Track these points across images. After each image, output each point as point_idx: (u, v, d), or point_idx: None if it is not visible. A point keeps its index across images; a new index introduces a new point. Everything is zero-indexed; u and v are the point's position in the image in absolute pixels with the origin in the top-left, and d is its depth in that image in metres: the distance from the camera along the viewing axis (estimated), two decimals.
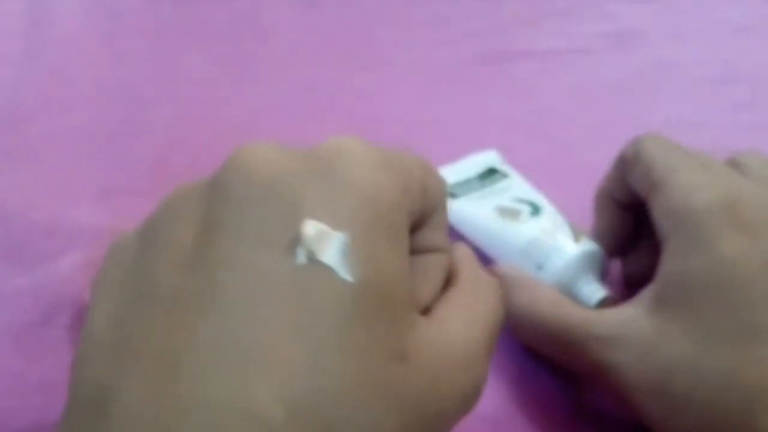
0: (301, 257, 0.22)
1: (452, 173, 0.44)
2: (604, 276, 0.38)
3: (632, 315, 0.31)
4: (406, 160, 0.25)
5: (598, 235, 0.38)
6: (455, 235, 0.41)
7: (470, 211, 0.41)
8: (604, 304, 0.37)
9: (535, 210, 0.40)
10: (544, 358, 0.36)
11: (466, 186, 0.43)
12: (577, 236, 0.38)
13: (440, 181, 0.27)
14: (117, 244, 0.26)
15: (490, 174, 0.43)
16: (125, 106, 0.50)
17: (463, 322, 0.25)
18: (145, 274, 0.23)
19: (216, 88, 0.52)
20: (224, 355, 0.20)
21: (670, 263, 0.31)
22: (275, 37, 0.56)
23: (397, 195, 0.24)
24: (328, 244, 0.22)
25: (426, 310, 0.25)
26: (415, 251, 0.25)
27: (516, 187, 0.42)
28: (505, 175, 0.43)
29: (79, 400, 0.23)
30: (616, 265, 0.40)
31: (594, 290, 0.37)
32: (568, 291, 0.37)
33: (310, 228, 0.22)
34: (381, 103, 0.51)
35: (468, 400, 0.24)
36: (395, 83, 0.53)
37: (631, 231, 0.38)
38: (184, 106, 0.50)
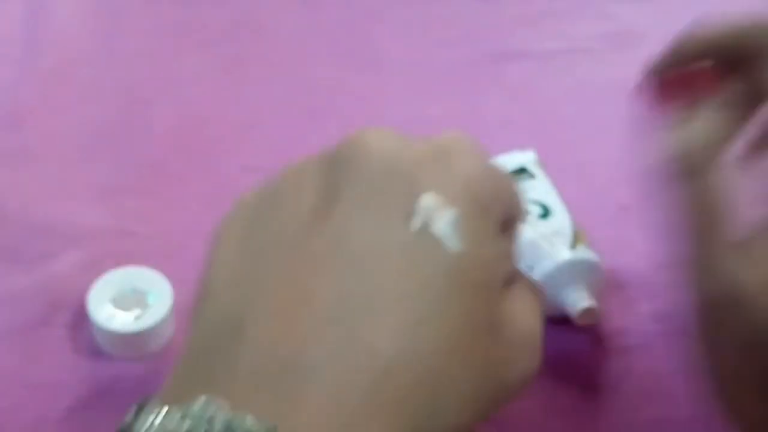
0: (416, 225, 0.25)
1: None
2: (597, 286, 0.38)
3: None
4: (504, 171, 0.29)
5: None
6: None
7: None
8: (587, 314, 0.37)
9: (545, 213, 0.40)
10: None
11: None
12: (575, 243, 0.38)
13: (522, 201, 0.30)
14: (240, 201, 0.30)
15: (519, 173, 0.43)
16: (125, 106, 0.50)
17: (530, 313, 0.28)
18: (273, 227, 0.27)
19: (216, 88, 0.52)
20: (344, 301, 0.24)
21: None
22: (275, 37, 0.56)
23: (496, 189, 0.27)
24: (441, 216, 0.25)
25: None
26: None
27: (537, 189, 0.41)
28: (531, 176, 0.43)
29: (209, 327, 0.26)
30: (615, 272, 0.40)
31: (580, 298, 0.37)
32: (555, 296, 0.37)
33: (428, 200, 0.25)
34: (381, 103, 0.51)
35: (524, 384, 0.27)
36: (395, 83, 0.53)
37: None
38: (184, 106, 0.50)
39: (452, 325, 0.25)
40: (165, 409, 0.23)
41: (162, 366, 0.38)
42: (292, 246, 0.26)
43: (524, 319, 0.28)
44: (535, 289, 0.29)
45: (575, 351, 0.39)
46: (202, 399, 0.22)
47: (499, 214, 0.27)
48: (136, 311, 0.38)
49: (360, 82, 0.53)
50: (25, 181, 0.45)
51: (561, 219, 0.39)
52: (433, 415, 0.24)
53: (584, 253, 0.38)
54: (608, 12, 0.59)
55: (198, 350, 0.26)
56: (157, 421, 0.22)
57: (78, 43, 0.54)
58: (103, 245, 0.42)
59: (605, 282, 0.39)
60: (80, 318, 0.39)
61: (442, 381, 0.24)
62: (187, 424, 0.22)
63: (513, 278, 0.28)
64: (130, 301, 0.38)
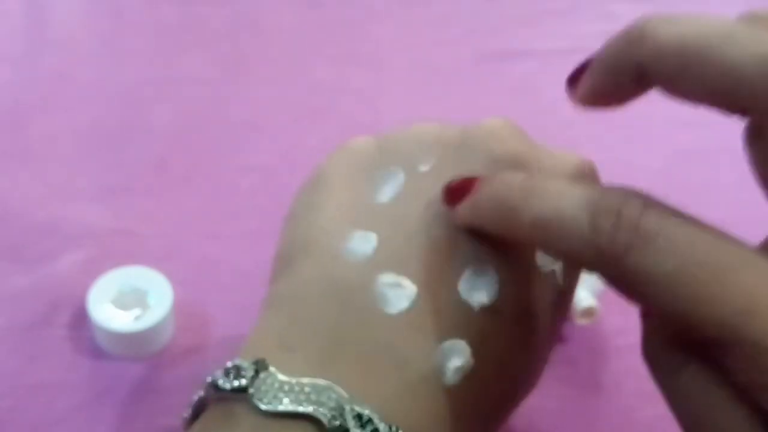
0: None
1: None
2: (597, 286, 0.38)
3: None
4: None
5: None
6: None
7: None
8: (587, 314, 0.37)
9: None
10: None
11: None
12: None
13: None
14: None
15: None
16: (125, 106, 0.50)
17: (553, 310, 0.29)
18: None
19: (216, 88, 0.52)
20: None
21: None
22: (275, 37, 0.56)
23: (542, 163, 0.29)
24: None
25: None
26: None
27: None
28: None
29: (280, 255, 0.28)
30: None
31: (580, 298, 0.37)
32: None
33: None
34: (381, 103, 0.51)
35: (532, 386, 0.28)
36: (395, 83, 0.53)
37: None
38: (184, 106, 0.50)
39: (497, 312, 0.26)
40: (283, 380, 0.23)
41: (162, 366, 0.38)
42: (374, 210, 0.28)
43: (548, 315, 0.29)
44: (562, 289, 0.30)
45: (575, 351, 0.39)
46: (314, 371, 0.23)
47: None
48: (136, 311, 0.38)
49: (360, 82, 0.53)
50: (25, 181, 0.45)
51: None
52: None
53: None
54: (608, 12, 0.59)
55: (310, 305, 0.26)
56: (283, 400, 0.23)
57: (78, 43, 0.54)
58: (103, 245, 0.42)
59: (605, 282, 0.39)
60: (80, 318, 0.39)
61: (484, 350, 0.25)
62: (313, 407, 0.22)
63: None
64: (130, 301, 0.38)
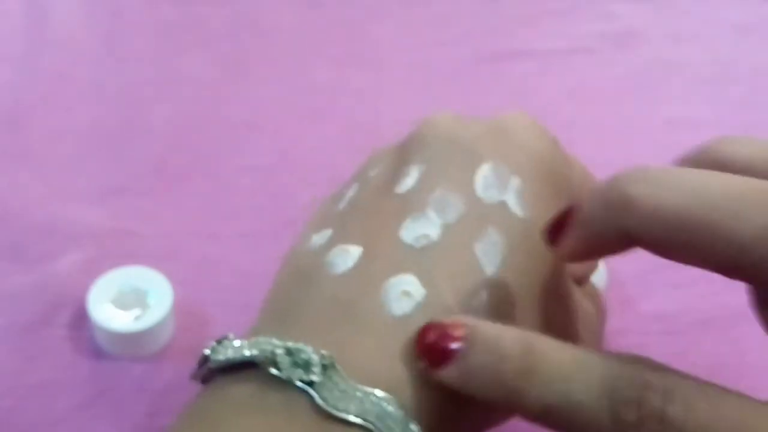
0: (480, 189, 0.27)
1: None
2: (598, 286, 0.38)
3: None
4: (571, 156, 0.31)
5: None
6: None
7: None
8: None
9: None
10: None
11: None
12: None
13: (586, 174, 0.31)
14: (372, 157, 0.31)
15: None
16: (125, 106, 0.50)
17: (593, 308, 0.30)
18: (351, 198, 0.29)
19: (216, 88, 0.52)
20: (410, 248, 0.26)
21: None
22: (275, 37, 0.56)
23: (561, 160, 0.30)
24: (506, 183, 0.27)
25: None
26: None
27: None
28: None
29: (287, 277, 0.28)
30: (615, 272, 0.40)
31: None
32: None
33: (486, 170, 0.27)
34: (381, 103, 0.51)
35: None
36: (395, 83, 0.53)
37: None
38: (184, 106, 0.50)
39: (515, 282, 0.26)
40: (237, 342, 0.25)
41: (162, 366, 0.38)
42: (364, 208, 0.28)
43: (589, 309, 0.29)
44: (594, 292, 0.30)
45: None
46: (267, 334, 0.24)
47: (563, 185, 0.29)
48: (136, 311, 0.38)
49: (360, 82, 0.53)
50: (25, 181, 0.45)
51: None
52: None
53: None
54: (608, 12, 0.59)
55: (276, 293, 0.28)
56: (229, 351, 0.24)
57: (78, 43, 0.54)
58: (103, 245, 0.42)
59: (605, 282, 0.39)
60: (80, 318, 0.39)
61: None
62: (252, 351, 0.24)
63: None
64: (130, 301, 0.38)
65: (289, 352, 0.23)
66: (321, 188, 0.32)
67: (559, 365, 0.22)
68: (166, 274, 0.39)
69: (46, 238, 0.42)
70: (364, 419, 0.22)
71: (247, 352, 0.24)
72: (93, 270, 0.39)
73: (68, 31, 0.55)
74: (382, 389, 0.23)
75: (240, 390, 0.24)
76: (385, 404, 0.23)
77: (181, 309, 0.39)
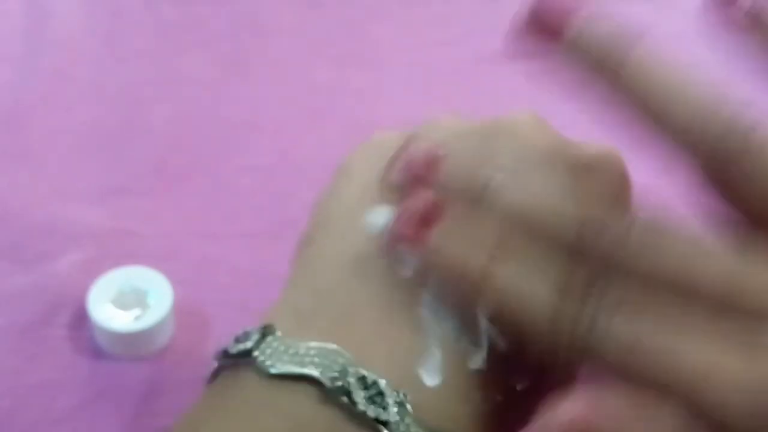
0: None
1: None
2: None
3: None
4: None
5: None
6: None
7: None
8: None
9: None
10: None
11: None
12: None
13: None
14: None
15: None
16: (125, 106, 0.50)
17: None
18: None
19: (216, 88, 0.52)
20: None
21: None
22: (275, 37, 0.56)
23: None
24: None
25: None
26: None
27: None
28: None
29: (303, 237, 0.28)
30: None
31: None
32: None
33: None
34: (381, 103, 0.51)
35: None
36: (395, 83, 0.53)
37: None
38: (184, 106, 0.50)
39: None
40: (291, 346, 0.23)
41: (162, 366, 0.38)
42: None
43: None
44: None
45: None
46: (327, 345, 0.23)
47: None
48: (136, 311, 0.38)
49: (360, 82, 0.53)
50: (25, 181, 0.45)
51: None
52: None
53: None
54: (608, 12, 0.59)
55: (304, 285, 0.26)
56: (285, 359, 0.22)
57: (78, 43, 0.54)
58: (103, 245, 0.42)
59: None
60: (80, 318, 0.39)
61: None
62: (319, 372, 0.22)
63: None
64: (130, 301, 0.38)
65: (363, 383, 0.22)
66: (321, 188, 0.32)
67: None
68: (166, 274, 0.39)
69: (46, 238, 0.42)
70: None
71: (315, 372, 0.22)
72: (93, 270, 0.39)
73: (68, 31, 0.55)
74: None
75: (298, 409, 0.22)
76: None
77: (181, 309, 0.39)
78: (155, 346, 0.38)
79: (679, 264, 0.20)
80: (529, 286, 0.21)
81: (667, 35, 0.55)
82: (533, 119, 0.30)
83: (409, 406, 0.22)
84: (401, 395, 0.22)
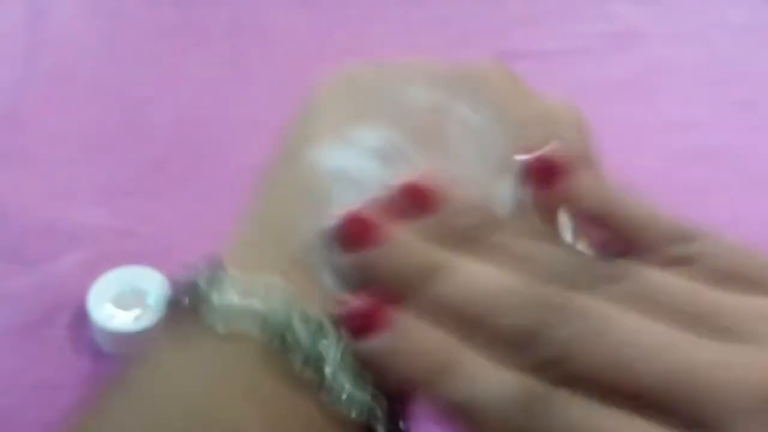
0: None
1: None
2: None
3: None
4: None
5: None
6: None
7: None
8: None
9: None
10: None
11: None
12: (576, 240, 0.38)
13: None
14: (346, 73, 0.31)
15: None
16: (125, 106, 0.50)
17: None
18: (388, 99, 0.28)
19: (216, 88, 0.52)
20: None
21: None
22: (275, 37, 0.56)
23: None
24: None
25: None
26: None
27: None
28: None
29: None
30: None
31: None
32: None
33: None
34: None
35: None
36: None
37: None
38: (185, 106, 0.50)
39: None
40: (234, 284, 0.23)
41: None
42: None
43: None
44: None
45: None
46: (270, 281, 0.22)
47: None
48: (136, 311, 0.38)
49: None
50: (25, 181, 0.45)
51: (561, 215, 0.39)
52: None
53: (584, 250, 0.38)
54: (608, 12, 0.59)
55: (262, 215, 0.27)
56: (234, 298, 0.23)
57: (78, 43, 0.54)
58: (103, 245, 0.42)
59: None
60: (80, 318, 0.39)
61: None
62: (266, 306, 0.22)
63: None
64: (130, 301, 0.38)
65: (306, 319, 0.22)
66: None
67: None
68: (166, 274, 0.39)
69: (46, 238, 0.42)
70: None
71: (258, 306, 0.22)
72: (93, 270, 0.39)
73: (68, 31, 0.55)
74: None
75: (241, 363, 0.22)
76: None
77: None
78: None
79: (619, 363, 0.20)
80: (493, 381, 0.21)
81: (667, 36, 0.55)
82: (498, 69, 0.30)
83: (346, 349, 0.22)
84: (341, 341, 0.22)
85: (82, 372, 0.37)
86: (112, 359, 0.38)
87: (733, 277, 0.22)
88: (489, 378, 0.21)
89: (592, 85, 0.53)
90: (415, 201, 0.24)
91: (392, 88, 0.29)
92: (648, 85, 0.53)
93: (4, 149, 0.47)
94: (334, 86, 0.30)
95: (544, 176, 0.24)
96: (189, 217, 0.44)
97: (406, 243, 0.23)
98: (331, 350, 0.21)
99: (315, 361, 0.21)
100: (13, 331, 0.39)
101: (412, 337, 0.22)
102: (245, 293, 0.22)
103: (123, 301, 0.38)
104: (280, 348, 0.21)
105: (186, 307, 0.23)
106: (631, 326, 0.21)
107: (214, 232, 0.46)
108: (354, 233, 0.23)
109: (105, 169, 0.46)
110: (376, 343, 0.21)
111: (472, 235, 0.23)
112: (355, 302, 0.22)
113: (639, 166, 0.46)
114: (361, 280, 0.22)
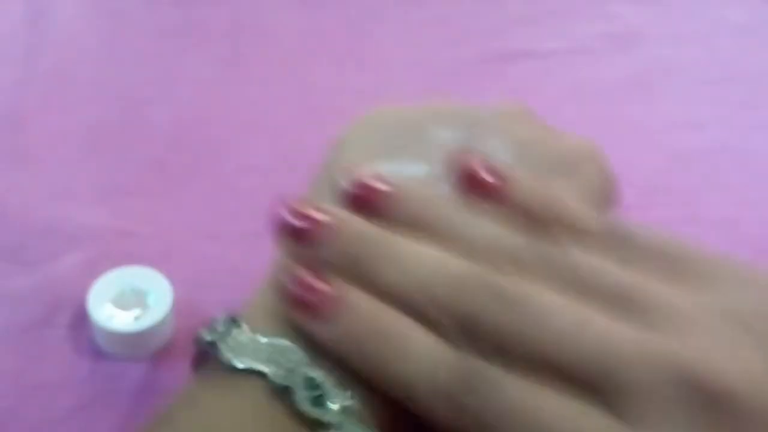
0: None
1: None
2: None
3: None
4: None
5: None
6: None
7: None
8: None
9: None
10: None
11: None
12: None
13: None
14: (378, 112, 0.32)
15: None
16: (125, 106, 0.50)
17: None
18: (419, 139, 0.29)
19: (216, 88, 0.52)
20: None
21: None
22: (275, 37, 0.56)
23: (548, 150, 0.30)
24: None
25: None
26: None
27: None
28: None
29: None
30: None
31: None
32: None
33: None
34: (381, 103, 0.51)
35: None
36: (395, 83, 0.53)
37: None
38: (184, 106, 0.50)
39: None
40: (247, 340, 0.24)
41: (162, 366, 0.38)
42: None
43: None
44: None
45: None
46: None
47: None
48: (136, 311, 0.38)
49: (360, 82, 0.53)
50: (25, 181, 0.45)
51: None
52: None
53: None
54: (608, 12, 0.59)
55: None
56: (247, 353, 0.24)
57: (78, 43, 0.54)
58: (103, 245, 0.42)
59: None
60: (80, 318, 0.38)
61: None
62: (270, 368, 0.23)
63: None
64: (130, 301, 0.38)
65: (310, 383, 0.23)
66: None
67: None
68: (166, 274, 0.39)
69: (46, 238, 0.42)
70: None
71: (264, 368, 0.23)
72: (93, 270, 0.39)
73: (68, 31, 0.55)
74: None
75: (244, 402, 0.23)
76: None
77: (181, 309, 0.39)
78: (155, 346, 0.38)
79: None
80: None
81: (667, 35, 0.55)
82: (519, 109, 0.30)
83: (354, 407, 0.23)
84: (348, 397, 0.23)
85: (82, 372, 0.37)
86: (112, 359, 0.38)
87: (665, 265, 0.23)
88: (431, 357, 0.22)
89: (592, 85, 0.53)
90: (367, 198, 0.25)
91: (417, 127, 0.30)
92: (648, 85, 0.53)
93: (4, 149, 0.47)
94: (359, 127, 0.31)
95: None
96: (189, 217, 0.44)
97: (351, 230, 0.24)
98: (332, 413, 0.22)
99: (313, 424, 0.22)
100: (13, 331, 0.39)
101: (358, 321, 0.23)
102: (256, 355, 0.24)
103: (123, 301, 0.38)
104: (282, 410, 0.23)
105: (207, 367, 0.25)
106: (553, 305, 0.22)
107: (214, 232, 0.47)
108: (300, 229, 0.24)
109: (105, 169, 0.46)
110: (324, 327, 0.23)
111: (415, 218, 0.25)
112: (304, 283, 0.23)
113: (639, 166, 0.47)
114: (309, 265, 0.23)
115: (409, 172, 0.27)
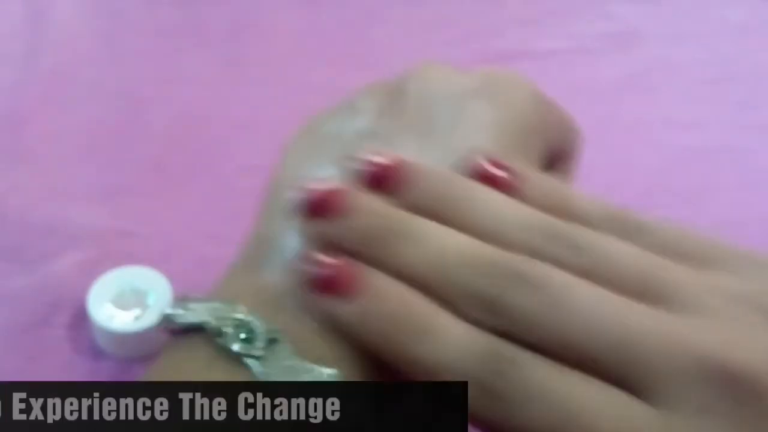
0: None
1: None
2: None
3: None
4: (558, 107, 0.31)
5: None
6: None
7: None
8: None
9: None
10: None
11: None
12: None
13: (578, 137, 0.31)
14: (311, 118, 0.32)
15: None
16: (125, 106, 0.50)
17: None
18: (328, 142, 0.30)
19: (216, 88, 0.52)
20: None
21: None
22: (275, 37, 0.56)
23: (538, 121, 0.30)
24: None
25: None
26: None
27: None
28: None
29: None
30: None
31: None
32: None
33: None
34: None
35: None
36: None
37: None
38: (184, 106, 0.50)
39: None
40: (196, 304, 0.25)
41: None
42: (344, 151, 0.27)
43: None
44: None
45: None
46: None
47: (542, 146, 0.29)
48: (136, 311, 0.38)
49: (359, 83, 0.53)
50: (25, 181, 0.45)
51: None
52: None
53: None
54: (608, 12, 0.59)
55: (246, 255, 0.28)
56: (189, 315, 0.25)
57: (78, 43, 0.54)
58: (103, 245, 0.42)
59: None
60: (80, 318, 0.39)
61: None
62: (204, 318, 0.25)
63: None
64: (130, 301, 0.38)
65: (238, 323, 0.23)
66: None
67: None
68: (166, 274, 0.39)
69: (46, 238, 0.42)
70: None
71: (196, 319, 0.25)
72: (93, 270, 0.39)
73: (68, 31, 0.55)
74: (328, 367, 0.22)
75: (192, 358, 0.25)
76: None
77: None
78: (155, 346, 0.38)
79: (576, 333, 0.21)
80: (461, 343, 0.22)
81: (667, 35, 0.55)
82: (515, 77, 0.30)
83: (283, 341, 0.23)
84: (274, 333, 0.23)
85: (82, 372, 0.37)
86: (112, 359, 0.38)
87: (681, 253, 0.23)
88: (459, 340, 0.21)
89: (593, 85, 0.53)
90: (382, 176, 0.25)
91: (336, 126, 0.31)
92: (648, 84, 0.53)
93: (4, 149, 0.47)
94: (295, 135, 0.32)
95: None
96: (189, 217, 0.44)
97: (370, 209, 0.24)
98: (257, 347, 0.23)
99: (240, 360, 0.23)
100: (13, 331, 0.39)
101: (383, 301, 0.22)
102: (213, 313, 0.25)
103: (123, 301, 0.38)
104: (214, 352, 0.24)
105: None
106: (584, 294, 0.21)
107: (214, 232, 0.47)
108: (319, 202, 0.24)
109: (105, 169, 0.46)
110: (347, 307, 0.22)
111: (439, 201, 0.24)
112: (325, 263, 0.23)
113: (639, 166, 0.47)
114: (328, 248, 0.23)
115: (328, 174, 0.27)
